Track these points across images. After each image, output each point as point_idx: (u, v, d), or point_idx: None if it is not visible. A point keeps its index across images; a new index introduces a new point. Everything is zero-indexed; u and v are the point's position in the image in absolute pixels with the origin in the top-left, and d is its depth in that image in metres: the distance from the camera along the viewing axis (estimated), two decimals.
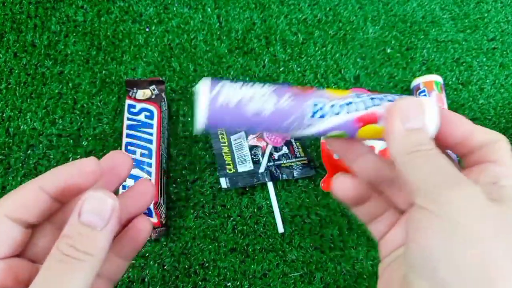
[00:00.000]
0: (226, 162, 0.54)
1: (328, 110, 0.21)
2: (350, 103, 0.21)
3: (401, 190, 0.24)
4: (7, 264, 0.20)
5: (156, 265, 0.50)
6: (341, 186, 0.24)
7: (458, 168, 0.19)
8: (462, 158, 0.22)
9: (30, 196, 0.20)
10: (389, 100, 0.22)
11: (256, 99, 0.21)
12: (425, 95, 0.54)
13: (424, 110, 0.20)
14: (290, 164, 0.54)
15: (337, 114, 0.21)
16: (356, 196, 0.24)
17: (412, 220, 0.19)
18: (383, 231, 0.25)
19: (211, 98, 0.20)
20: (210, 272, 0.50)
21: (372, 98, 0.22)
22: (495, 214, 0.17)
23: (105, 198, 0.19)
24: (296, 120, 0.21)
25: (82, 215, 0.19)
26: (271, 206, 0.53)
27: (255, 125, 0.21)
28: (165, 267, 0.50)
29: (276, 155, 0.54)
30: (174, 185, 0.54)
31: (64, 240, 0.19)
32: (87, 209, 0.19)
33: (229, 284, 0.49)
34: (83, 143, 0.55)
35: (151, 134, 0.52)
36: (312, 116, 0.21)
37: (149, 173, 0.50)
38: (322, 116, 0.21)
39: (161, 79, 0.55)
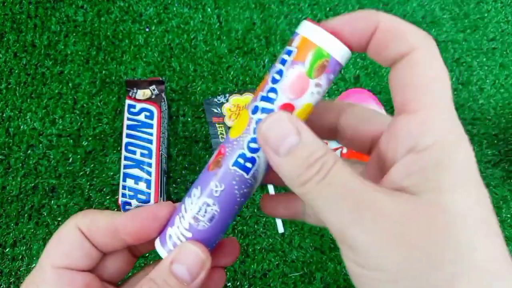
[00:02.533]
0: None
1: (251, 155, 0.19)
2: (254, 129, 0.18)
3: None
4: (82, 278, 0.20)
5: None
6: (268, 207, 0.24)
7: (363, 173, 0.17)
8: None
9: (102, 223, 0.21)
10: (276, 80, 0.18)
11: (199, 214, 0.20)
12: None
13: (288, 123, 0.16)
14: None
15: (258, 150, 0.19)
16: (289, 213, 0.23)
17: (351, 274, 0.16)
18: (317, 219, 0.23)
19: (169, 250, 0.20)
20: None
21: (265, 98, 0.18)
22: (419, 230, 0.14)
23: (200, 254, 0.19)
24: (242, 187, 0.19)
25: (174, 265, 0.19)
26: None
27: (223, 224, 0.20)
28: None
29: None
30: (174, 185, 0.54)
31: (150, 285, 0.19)
32: (180, 260, 0.19)
33: (229, 284, 0.49)
34: (83, 143, 0.55)
35: (151, 134, 0.52)
36: (247, 172, 0.19)
37: (149, 173, 0.50)
38: (253, 162, 0.19)
39: (161, 79, 0.55)
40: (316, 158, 0.15)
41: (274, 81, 0.18)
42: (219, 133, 0.56)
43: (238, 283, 0.49)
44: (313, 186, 0.15)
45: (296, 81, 0.17)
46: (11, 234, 0.51)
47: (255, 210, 0.52)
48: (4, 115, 0.56)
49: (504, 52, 0.61)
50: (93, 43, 0.61)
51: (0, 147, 0.55)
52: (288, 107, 0.18)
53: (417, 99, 0.15)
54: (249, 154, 0.18)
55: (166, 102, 0.56)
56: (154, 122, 0.52)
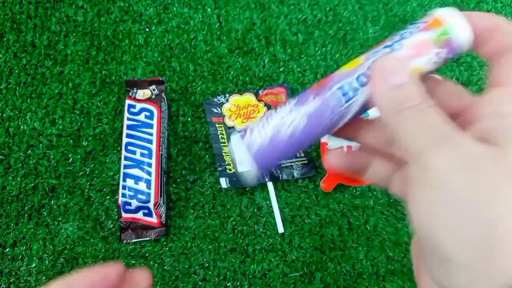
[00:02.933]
0: (226, 162, 0.54)
1: (357, 85, 0.20)
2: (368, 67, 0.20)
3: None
4: None
5: (156, 265, 0.50)
6: (333, 159, 0.24)
7: (451, 122, 0.18)
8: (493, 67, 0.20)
9: None
10: (406, 37, 0.20)
11: (285, 121, 0.20)
12: None
13: (405, 65, 0.19)
14: (290, 164, 0.54)
15: (366, 84, 0.20)
16: (349, 164, 0.24)
17: (407, 188, 0.18)
18: (402, 189, 0.23)
19: (248, 147, 0.20)
20: (210, 272, 0.50)
21: (388, 46, 0.20)
22: (492, 167, 0.16)
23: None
24: (333, 115, 0.20)
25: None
26: (271, 206, 0.53)
27: (299, 144, 0.21)
28: (165, 267, 0.50)
29: None
30: (174, 185, 0.54)
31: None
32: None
33: (229, 284, 0.49)
34: (83, 143, 0.55)
35: (151, 134, 0.52)
36: (347, 101, 0.20)
37: (149, 173, 0.50)
38: (355, 95, 0.20)
39: (161, 79, 0.55)
40: (418, 97, 0.18)
41: (402, 37, 0.20)
42: (219, 133, 0.56)
43: (238, 283, 0.49)
44: (408, 114, 0.18)
45: (423, 42, 0.20)
46: (11, 234, 0.51)
47: (255, 210, 0.52)
48: (4, 115, 0.56)
49: None
50: (93, 43, 0.61)
51: (0, 147, 0.55)
52: None
53: (509, 77, 0.18)
54: (355, 84, 0.20)
55: (166, 102, 0.56)
56: (154, 122, 0.52)
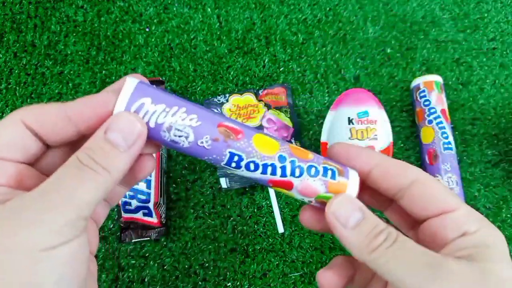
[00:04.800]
0: None
1: (244, 164, 0.21)
2: (267, 165, 0.21)
3: None
4: (17, 168, 0.19)
5: (156, 265, 0.50)
6: (327, 282, 0.24)
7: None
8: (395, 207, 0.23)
9: (51, 112, 0.20)
10: (310, 173, 0.22)
11: (174, 131, 0.20)
12: (425, 95, 0.54)
13: (354, 199, 0.21)
14: None
15: (251, 171, 0.21)
16: (346, 280, 0.24)
17: None
18: None
19: (127, 106, 0.20)
20: (210, 272, 0.50)
21: (293, 167, 0.22)
22: (478, 284, 0.18)
23: (135, 122, 0.19)
24: (212, 160, 0.22)
25: (109, 132, 0.19)
26: (271, 206, 0.53)
27: (175, 148, 0.21)
28: (165, 267, 0.50)
29: None
30: (174, 185, 0.54)
31: (85, 151, 0.18)
32: (115, 127, 0.19)
33: (229, 284, 0.49)
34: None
35: None
36: (226, 165, 0.21)
37: None
38: (237, 167, 0.21)
39: (161, 79, 0.55)
40: (381, 229, 0.20)
41: (308, 171, 0.22)
42: None
43: (238, 283, 0.49)
44: (384, 251, 0.19)
45: (312, 189, 0.22)
46: None
47: (255, 210, 0.52)
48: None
49: (504, 52, 0.61)
50: (93, 43, 0.61)
51: None
52: (289, 184, 0.22)
53: (453, 202, 0.21)
54: (243, 163, 0.21)
55: None
56: None
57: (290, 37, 0.62)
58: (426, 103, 0.54)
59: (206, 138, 0.21)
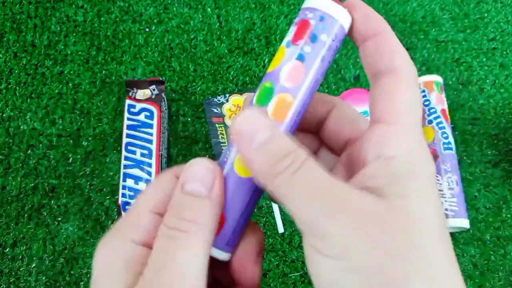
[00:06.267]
0: None
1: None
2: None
3: (332, 132, 0.22)
4: (141, 250, 0.18)
5: None
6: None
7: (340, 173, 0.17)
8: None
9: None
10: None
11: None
12: (425, 95, 0.54)
13: (263, 115, 0.17)
14: None
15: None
16: None
17: (310, 263, 0.16)
18: None
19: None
20: None
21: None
22: (386, 226, 0.15)
23: (205, 164, 0.18)
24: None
25: (184, 185, 0.18)
26: (271, 206, 0.53)
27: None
28: None
29: None
30: None
31: (170, 213, 0.18)
32: (187, 178, 0.18)
33: None
34: (83, 143, 0.55)
35: (151, 134, 0.52)
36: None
37: (149, 173, 0.50)
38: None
39: (161, 79, 0.55)
40: (287, 152, 0.16)
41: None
42: (219, 133, 0.55)
43: None
44: (285, 179, 0.16)
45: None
46: (11, 234, 0.51)
47: (255, 210, 0.52)
48: (4, 115, 0.56)
49: (504, 52, 0.61)
50: (93, 43, 0.61)
51: (0, 147, 0.55)
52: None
53: (396, 113, 0.17)
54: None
55: (166, 102, 0.56)
56: (154, 122, 0.52)
57: None
58: (426, 103, 0.54)
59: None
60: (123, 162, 0.50)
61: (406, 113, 0.17)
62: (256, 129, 0.17)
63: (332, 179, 0.16)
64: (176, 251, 0.17)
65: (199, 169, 0.18)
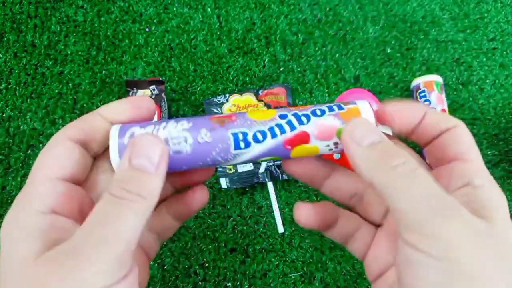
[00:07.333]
0: None
1: (251, 139, 0.20)
2: (273, 127, 0.20)
3: (372, 203, 0.23)
4: (67, 189, 0.19)
5: (156, 265, 0.50)
6: (303, 215, 0.23)
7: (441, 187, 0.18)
8: (426, 154, 0.22)
9: (95, 123, 0.20)
10: (317, 115, 0.20)
11: (172, 140, 0.20)
12: (425, 95, 0.54)
13: (373, 125, 0.19)
14: None
15: (261, 141, 0.20)
16: (321, 221, 0.23)
17: (403, 259, 0.17)
18: (363, 250, 0.23)
19: (120, 145, 0.20)
20: (210, 272, 0.50)
21: (298, 116, 0.20)
22: (490, 242, 0.16)
23: (155, 141, 0.19)
24: (220, 154, 0.20)
25: (134, 160, 0.18)
26: (271, 206, 0.53)
27: (178, 164, 0.20)
28: (165, 267, 0.50)
29: None
30: None
31: (116, 184, 0.18)
32: (137, 153, 0.19)
33: (229, 284, 0.49)
34: None
35: None
36: (236, 148, 0.20)
37: None
38: (247, 146, 0.20)
39: (161, 79, 0.55)
40: (400, 153, 0.18)
41: (314, 114, 0.21)
42: None
43: (238, 283, 0.49)
44: (397, 173, 0.17)
45: (328, 127, 0.20)
46: None
47: (255, 210, 0.52)
48: (4, 115, 0.56)
49: (504, 52, 0.61)
50: (93, 43, 0.61)
51: (0, 147, 0.55)
52: (304, 135, 0.21)
53: (468, 153, 0.19)
54: (250, 138, 0.20)
55: (166, 102, 0.56)
56: None
57: (290, 37, 0.62)
58: (426, 103, 0.54)
59: (204, 131, 0.20)
60: None
61: (475, 153, 0.19)
62: (367, 131, 0.19)
63: (445, 190, 0.17)
64: (117, 215, 0.17)
65: (147, 145, 0.19)
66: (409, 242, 0.16)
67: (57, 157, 0.20)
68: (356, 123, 0.19)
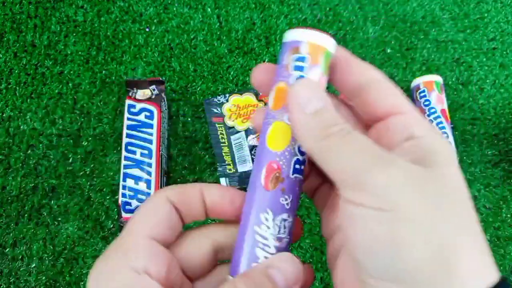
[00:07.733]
0: (226, 162, 0.54)
1: (300, 158, 0.20)
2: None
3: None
4: (168, 255, 0.19)
5: None
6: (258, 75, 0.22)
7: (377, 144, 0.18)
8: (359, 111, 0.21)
9: (190, 192, 0.21)
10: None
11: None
12: (425, 95, 0.54)
13: (319, 87, 0.19)
14: None
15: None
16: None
17: (345, 218, 0.17)
18: (321, 207, 0.23)
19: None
20: None
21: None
22: (430, 185, 0.16)
23: (298, 265, 0.19)
24: (297, 180, 0.21)
25: (272, 270, 0.18)
26: None
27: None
28: None
29: None
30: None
31: (244, 280, 0.18)
32: (279, 266, 0.18)
33: None
34: (83, 143, 0.55)
35: (151, 134, 0.52)
36: (297, 173, 0.20)
37: (149, 173, 0.50)
38: (301, 162, 0.21)
39: (161, 79, 0.55)
40: (337, 122, 0.18)
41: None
42: (219, 133, 0.55)
43: None
44: (336, 139, 0.17)
45: (320, 81, 0.20)
46: (11, 234, 0.51)
47: None
48: (4, 115, 0.56)
49: (504, 52, 0.61)
50: (93, 43, 0.61)
51: (0, 147, 0.55)
52: None
53: (403, 105, 0.19)
54: (301, 157, 0.20)
55: (166, 102, 0.56)
56: (154, 122, 0.52)
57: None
58: (426, 103, 0.54)
59: (283, 200, 0.20)
60: (123, 162, 0.50)
61: (410, 104, 0.19)
62: (312, 96, 0.18)
63: (378, 145, 0.17)
64: None
65: (291, 265, 0.19)
66: (348, 198, 0.16)
67: (156, 219, 0.20)
68: (304, 85, 0.19)
